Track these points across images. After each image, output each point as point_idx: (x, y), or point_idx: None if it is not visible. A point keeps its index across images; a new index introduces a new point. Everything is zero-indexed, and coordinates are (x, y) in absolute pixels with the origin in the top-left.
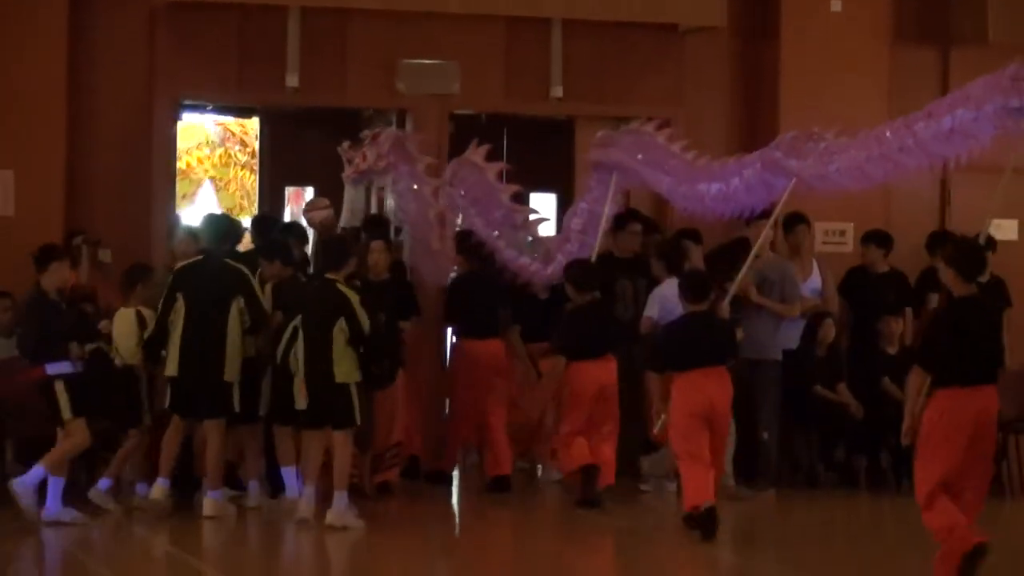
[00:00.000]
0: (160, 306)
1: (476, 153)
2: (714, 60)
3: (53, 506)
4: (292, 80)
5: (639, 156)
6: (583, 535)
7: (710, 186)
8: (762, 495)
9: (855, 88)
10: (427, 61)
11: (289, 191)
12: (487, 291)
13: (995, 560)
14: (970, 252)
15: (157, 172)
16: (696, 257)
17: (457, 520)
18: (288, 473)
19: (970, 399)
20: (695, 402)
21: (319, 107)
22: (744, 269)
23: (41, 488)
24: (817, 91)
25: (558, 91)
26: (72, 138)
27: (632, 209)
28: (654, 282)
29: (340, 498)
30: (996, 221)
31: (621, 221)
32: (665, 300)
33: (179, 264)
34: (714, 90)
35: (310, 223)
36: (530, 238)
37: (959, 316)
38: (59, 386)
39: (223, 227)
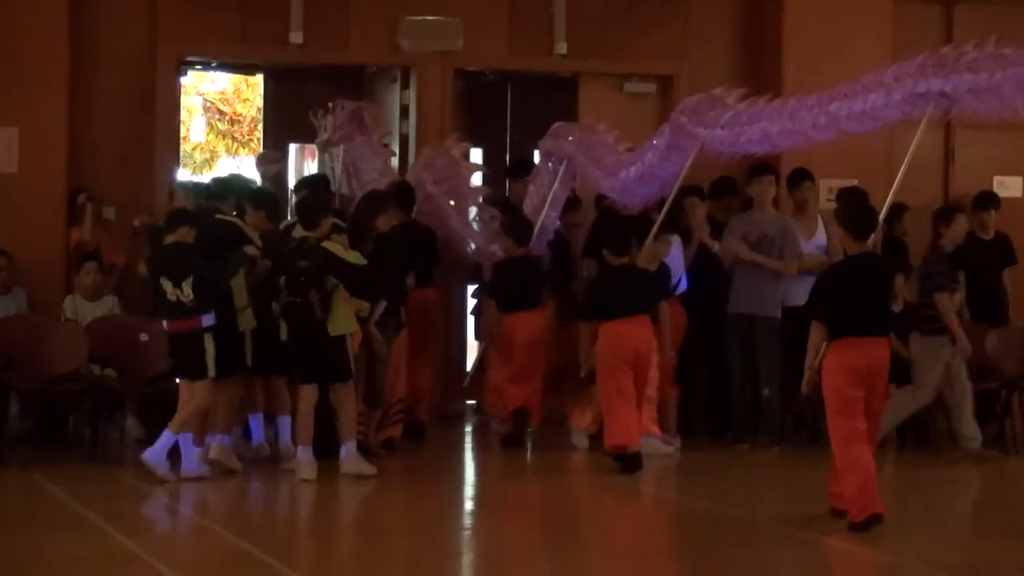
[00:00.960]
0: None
1: (455, 147)
2: (718, 16)
3: (190, 463)
4: (296, 37)
5: (585, 150)
6: (580, 485)
7: (629, 170)
8: (768, 451)
9: (859, 44)
10: (430, 18)
11: (294, 148)
12: (417, 240)
13: (997, 515)
14: (861, 212)
15: (160, 129)
16: (700, 213)
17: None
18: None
19: (863, 349)
20: (621, 347)
21: (323, 64)
22: (655, 227)
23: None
24: (820, 47)
25: (562, 48)
26: (75, 95)
27: None
28: None
29: (349, 447)
30: (999, 178)
31: None
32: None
33: None
34: (717, 46)
35: (263, 177)
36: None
37: (852, 273)
38: (208, 338)
39: (223, 185)
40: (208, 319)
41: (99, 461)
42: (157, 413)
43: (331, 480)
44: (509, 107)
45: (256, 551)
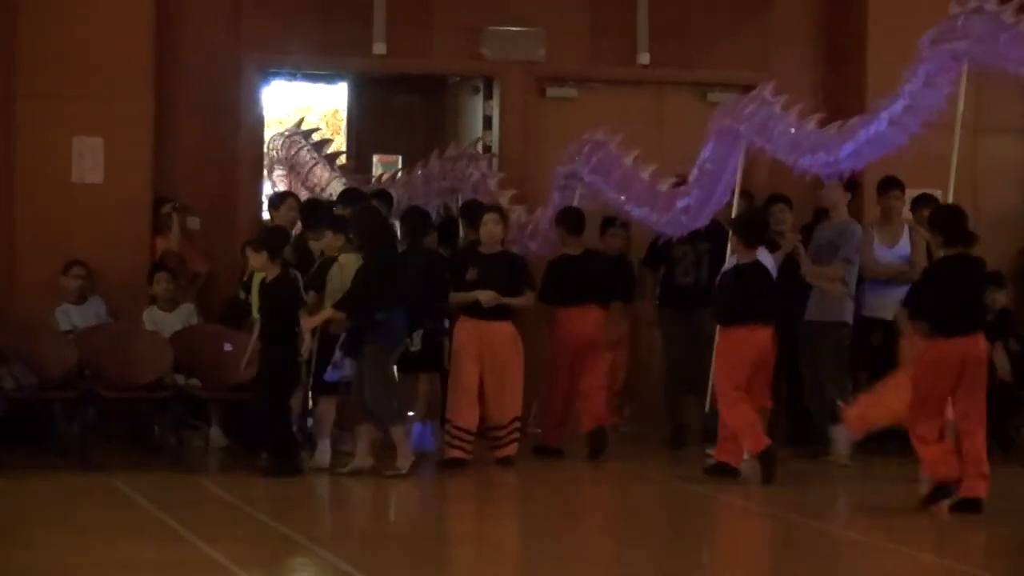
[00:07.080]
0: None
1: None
2: (799, 23)
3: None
4: (379, 48)
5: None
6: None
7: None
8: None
9: None
10: (513, 28)
11: (377, 159)
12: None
13: (1009, 516)
14: (952, 217)
15: (244, 140)
16: (789, 219)
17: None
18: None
19: (954, 347)
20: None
21: (405, 73)
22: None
23: None
24: (905, 51)
25: (645, 57)
26: (160, 105)
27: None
28: (716, 247)
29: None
30: None
31: None
32: None
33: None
34: (799, 54)
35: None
36: None
37: (944, 275)
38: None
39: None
40: None
41: (183, 469)
42: (240, 423)
43: (423, 489)
44: None
45: (338, 559)
